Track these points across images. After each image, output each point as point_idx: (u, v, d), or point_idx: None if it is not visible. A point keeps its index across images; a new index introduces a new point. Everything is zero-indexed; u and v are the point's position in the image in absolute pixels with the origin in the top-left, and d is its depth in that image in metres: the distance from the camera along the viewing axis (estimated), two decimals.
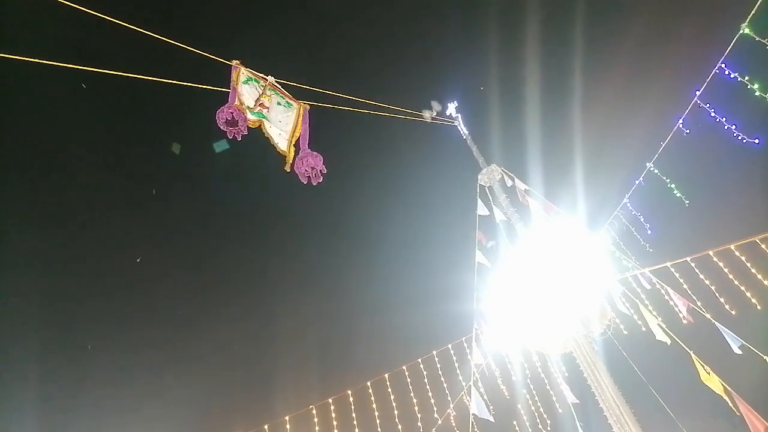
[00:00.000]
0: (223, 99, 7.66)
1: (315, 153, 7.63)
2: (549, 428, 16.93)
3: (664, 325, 12.79)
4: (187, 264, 23.77)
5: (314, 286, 24.43)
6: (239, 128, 7.44)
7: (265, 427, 16.53)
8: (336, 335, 24.16)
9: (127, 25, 7.04)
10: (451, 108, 16.49)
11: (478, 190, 16.09)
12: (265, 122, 7.78)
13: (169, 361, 21.90)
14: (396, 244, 22.35)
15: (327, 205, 23.80)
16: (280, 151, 7.84)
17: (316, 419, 16.76)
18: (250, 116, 7.65)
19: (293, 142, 7.84)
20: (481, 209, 16.02)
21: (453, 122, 16.47)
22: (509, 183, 15.89)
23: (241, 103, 7.59)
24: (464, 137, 16.52)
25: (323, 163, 7.60)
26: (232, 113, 7.34)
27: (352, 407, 17.19)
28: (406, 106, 13.17)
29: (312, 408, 16.86)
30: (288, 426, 16.44)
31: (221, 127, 7.38)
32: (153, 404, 20.75)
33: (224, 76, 7.85)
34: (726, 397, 11.04)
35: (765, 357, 11.14)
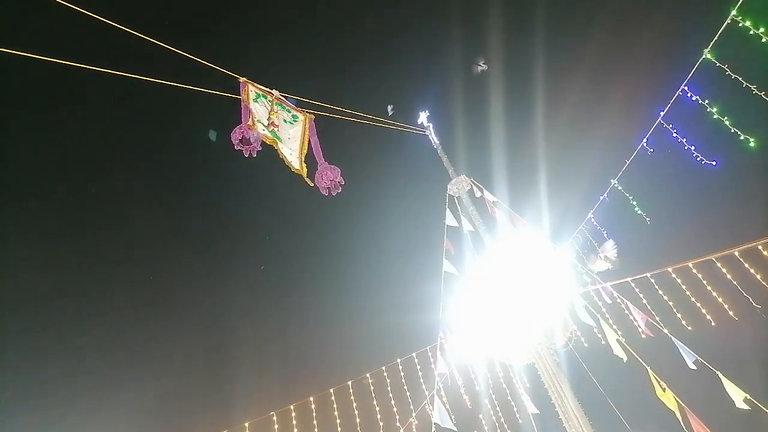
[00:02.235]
0: (228, 107, 7.88)
1: (332, 166, 7.78)
2: None
3: (623, 340, 13.05)
4: (148, 268, 23.25)
5: (279, 294, 24.21)
6: (253, 146, 7.62)
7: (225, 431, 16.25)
8: (300, 343, 23.96)
9: (136, 33, 7.05)
10: (423, 117, 16.57)
11: (447, 200, 16.21)
12: (279, 143, 7.93)
13: (124, 365, 21.37)
14: (364, 252, 22.35)
15: (293, 214, 23.66)
16: (295, 170, 8.00)
17: (276, 426, 16.56)
18: (267, 133, 7.80)
19: (303, 159, 7.96)
20: (450, 219, 16.13)
21: (424, 131, 16.55)
22: (478, 194, 16.05)
23: (254, 122, 7.74)
24: (435, 147, 16.62)
25: (339, 175, 7.79)
26: (242, 133, 7.52)
27: (314, 414, 17.03)
28: (376, 114, 13.15)
29: (273, 414, 16.65)
30: None
31: (236, 147, 7.54)
32: (108, 408, 20.20)
33: (227, 88, 7.96)
34: (679, 414, 11.32)
35: (718, 372, 11.47)
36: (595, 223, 14.24)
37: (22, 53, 6.28)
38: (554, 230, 15.43)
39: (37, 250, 20.92)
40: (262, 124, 7.79)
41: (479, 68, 17.28)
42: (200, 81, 8.08)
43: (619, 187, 13.48)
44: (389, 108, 15.34)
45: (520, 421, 17.08)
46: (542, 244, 15.44)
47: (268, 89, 7.91)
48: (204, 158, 23.48)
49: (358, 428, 17.08)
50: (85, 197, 22.40)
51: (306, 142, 7.97)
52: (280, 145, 7.92)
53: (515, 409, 16.94)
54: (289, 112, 8.00)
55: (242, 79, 7.77)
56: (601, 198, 13.99)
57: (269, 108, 7.79)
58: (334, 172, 7.71)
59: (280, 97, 7.96)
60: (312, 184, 7.84)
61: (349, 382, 17.50)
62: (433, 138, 16.57)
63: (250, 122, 7.68)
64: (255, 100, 7.80)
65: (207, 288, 24.31)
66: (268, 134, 7.85)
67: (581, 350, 15.07)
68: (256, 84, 7.88)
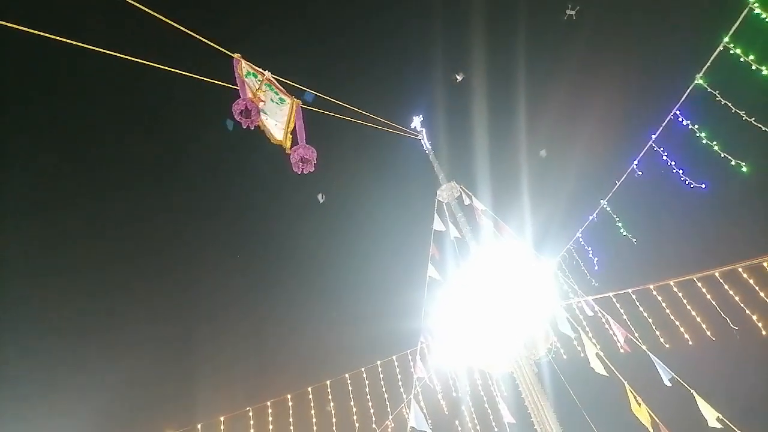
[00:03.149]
0: (221, 90, 7.97)
1: (309, 146, 7.92)
2: None
3: (602, 354, 13.21)
4: (124, 261, 22.93)
5: (262, 292, 24.06)
6: (252, 119, 7.67)
7: (198, 426, 16.11)
8: (280, 341, 23.83)
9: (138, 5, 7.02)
10: (416, 121, 16.62)
11: (435, 206, 16.28)
12: (262, 114, 7.97)
13: (95, 353, 21.00)
14: (349, 253, 22.30)
15: (278, 217, 23.57)
16: (276, 141, 8.08)
17: (252, 422, 16.48)
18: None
19: (289, 131, 8.08)
20: (438, 224, 16.21)
21: (417, 136, 16.60)
22: (467, 201, 16.14)
23: (254, 95, 7.82)
24: (427, 152, 16.69)
25: (315, 157, 7.92)
26: (246, 104, 7.57)
27: (290, 411, 16.97)
28: (372, 113, 13.13)
29: (249, 410, 16.57)
30: (222, 426, 16.11)
31: (236, 118, 7.61)
32: (75, 397, 19.89)
33: (220, 68, 8.03)
34: (652, 430, 11.50)
35: (693, 391, 11.66)
36: (582, 242, 14.41)
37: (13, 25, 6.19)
38: (540, 244, 15.59)
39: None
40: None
41: (457, 78, 17.60)
42: (195, 63, 8.16)
43: (608, 208, 13.66)
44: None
45: (496, 430, 17.22)
46: (527, 256, 15.59)
47: (260, 69, 8.06)
48: (186, 147, 23.30)
49: (334, 428, 17.06)
50: (57, 177, 21.93)
51: (292, 122, 8.13)
52: (263, 117, 8.00)
53: (491, 417, 17.06)
54: (277, 94, 8.13)
55: (236, 56, 7.92)
56: (590, 218, 14.16)
57: (257, 86, 7.95)
58: (308, 151, 7.85)
59: (271, 78, 8.12)
60: (289, 152, 7.96)
61: (328, 382, 17.48)
62: (426, 143, 16.63)
63: (250, 94, 7.79)
64: (246, 77, 7.93)
65: (185, 284, 24.12)
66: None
67: (560, 362, 15.23)
68: (248, 62, 8.01)
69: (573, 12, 17.30)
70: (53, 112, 20.71)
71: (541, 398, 13.77)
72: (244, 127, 7.80)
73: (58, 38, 6.72)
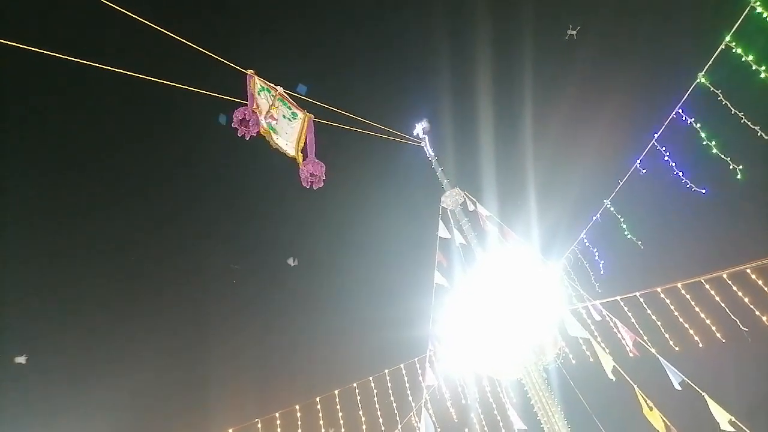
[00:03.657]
0: (234, 105, 8.09)
1: (319, 162, 8.15)
2: None
3: (611, 358, 13.09)
4: (129, 268, 23.01)
5: (268, 302, 24.06)
6: (249, 129, 7.89)
7: None
8: (288, 351, 23.81)
9: (148, 23, 7.30)
10: (419, 128, 16.62)
11: (440, 213, 16.25)
12: (273, 134, 8.22)
13: (105, 367, 21.03)
14: (355, 261, 22.26)
15: (285, 224, 23.60)
16: (290, 157, 8.32)
17: None
18: (262, 122, 8.10)
19: (299, 150, 8.28)
20: (443, 231, 16.17)
21: (420, 143, 16.60)
22: (471, 208, 16.10)
23: (258, 108, 8.06)
24: (430, 158, 16.67)
25: (324, 172, 8.16)
26: (245, 114, 7.84)
27: (299, 422, 16.93)
28: (373, 121, 13.16)
29: (257, 421, 16.54)
30: None
31: (233, 124, 7.85)
32: (86, 410, 19.91)
33: (232, 84, 8.24)
34: None
35: (704, 394, 11.52)
36: (587, 243, 14.32)
37: (19, 45, 6.33)
38: (545, 247, 15.51)
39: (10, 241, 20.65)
40: (262, 114, 8.13)
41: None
42: (203, 76, 8.31)
43: (612, 209, 13.58)
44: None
45: None
46: (533, 260, 15.52)
47: (272, 85, 8.23)
48: (190, 157, 23.43)
49: None
50: (61, 190, 22.07)
51: (303, 138, 8.29)
52: (275, 137, 8.24)
53: (501, 424, 16.92)
54: (290, 109, 8.30)
55: (249, 72, 8.10)
56: (594, 218, 14.07)
57: (270, 102, 8.12)
58: (317, 166, 8.07)
59: (283, 93, 8.29)
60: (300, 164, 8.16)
61: (336, 392, 17.43)
62: (429, 150, 16.62)
63: (255, 106, 8.01)
64: (259, 93, 8.11)
65: (194, 294, 24.14)
66: (264, 125, 8.16)
67: (569, 367, 15.10)
68: (261, 78, 8.18)
69: (574, 32, 17.40)
70: (61, 125, 20.93)
71: (550, 404, 13.68)
72: (239, 135, 7.98)
73: (73, 59, 6.87)
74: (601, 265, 14.25)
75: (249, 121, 7.87)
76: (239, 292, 24.03)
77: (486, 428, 17.12)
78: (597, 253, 14.38)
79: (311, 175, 8.04)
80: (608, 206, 13.46)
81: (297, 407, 17.04)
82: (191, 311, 23.80)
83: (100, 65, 7.25)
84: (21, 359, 19.20)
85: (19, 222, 20.62)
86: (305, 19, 23.09)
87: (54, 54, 6.68)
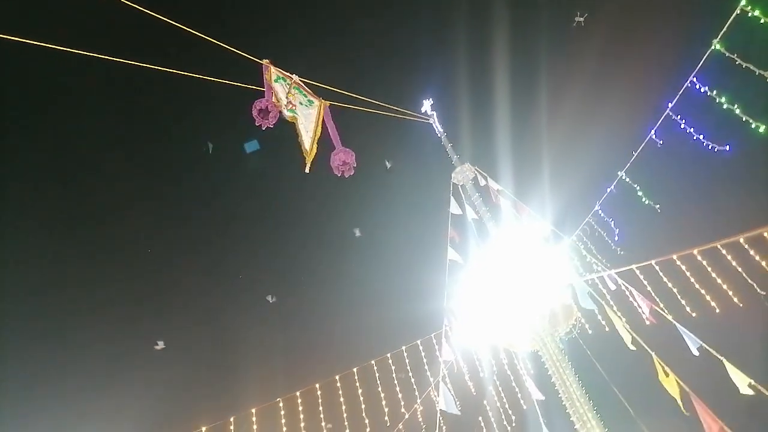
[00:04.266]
0: (251, 96, 8.06)
1: (347, 150, 8.09)
2: (514, 424, 17.29)
3: (627, 327, 13.18)
4: (150, 258, 23.26)
5: (283, 283, 24.23)
6: (269, 120, 7.86)
7: (231, 419, 16.38)
8: (305, 331, 24.05)
9: (163, 18, 7.23)
10: (426, 105, 16.52)
11: (451, 189, 16.24)
12: (298, 120, 8.20)
13: (127, 355, 21.42)
14: (368, 241, 22.33)
15: (298, 203, 23.61)
16: (304, 150, 8.18)
17: (282, 412, 16.72)
18: (286, 113, 8.08)
19: (315, 141, 8.18)
20: (454, 207, 16.19)
21: (428, 120, 16.51)
22: (482, 182, 16.08)
23: (278, 100, 8.02)
24: (439, 135, 16.60)
25: (355, 159, 8.10)
26: (267, 104, 7.83)
27: (320, 401, 17.18)
28: (381, 100, 13.07)
29: (279, 401, 16.80)
30: (254, 418, 16.37)
31: (253, 114, 7.82)
32: (111, 399, 20.32)
33: (247, 74, 8.19)
34: (681, 399, 11.48)
35: (722, 358, 11.60)
36: (602, 214, 14.29)
37: (19, 39, 6.27)
38: (559, 220, 15.51)
39: (34, 242, 20.90)
40: (283, 102, 8.11)
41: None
42: (219, 71, 8.31)
43: (627, 179, 13.51)
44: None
45: (525, 407, 17.30)
46: (546, 233, 15.54)
47: (288, 74, 8.22)
48: (213, 149, 23.41)
49: (363, 414, 17.26)
50: (82, 189, 22.26)
51: (320, 127, 8.25)
52: (299, 123, 8.20)
53: (519, 395, 17.13)
54: (306, 96, 8.30)
55: (265, 62, 8.08)
56: (609, 189, 14.02)
57: (287, 90, 8.12)
58: (348, 154, 8.02)
59: (299, 81, 8.26)
60: (308, 170, 8.10)
61: (355, 369, 17.66)
62: (437, 126, 16.54)
63: (273, 99, 7.99)
64: (275, 82, 8.11)
65: (210, 275, 24.36)
66: (287, 113, 8.15)
67: (585, 337, 15.22)
68: (277, 67, 8.16)
69: (581, 19, 17.14)
70: (64, 121, 20.91)
71: (567, 374, 13.83)
72: (257, 124, 7.94)
73: (66, 49, 6.80)
74: (616, 233, 14.24)
75: (269, 112, 7.86)
76: (258, 285, 24.15)
77: (504, 400, 17.35)
78: (612, 223, 14.36)
79: (343, 163, 7.99)
80: (623, 177, 13.40)
81: (317, 386, 17.30)
82: (213, 303, 24.12)
83: (104, 56, 7.16)
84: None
85: (60, 222, 21.06)
86: (309, 7, 22.79)
87: (58, 48, 6.58)
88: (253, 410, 16.49)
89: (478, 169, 16.17)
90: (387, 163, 17.58)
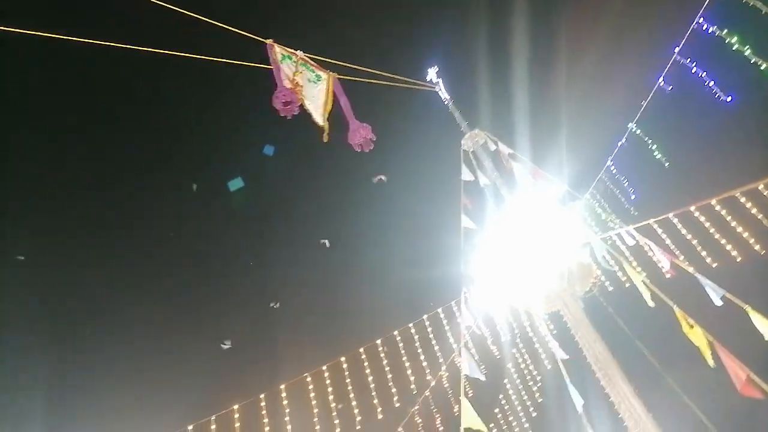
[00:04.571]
0: (258, 73, 7.96)
1: (364, 124, 7.95)
2: (539, 384, 17.42)
3: (647, 281, 13.06)
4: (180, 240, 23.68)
5: (302, 256, 24.44)
6: (292, 107, 7.71)
7: (261, 396, 16.73)
8: (326, 304, 24.32)
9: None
10: (432, 73, 16.30)
11: (461, 156, 16.11)
12: (305, 100, 8.04)
13: (156, 339, 21.96)
14: (382, 212, 22.29)
15: (311, 175, 23.64)
16: (318, 126, 8.10)
17: (311, 386, 17.03)
18: (299, 95, 7.93)
19: (326, 116, 8.08)
20: (466, 174, 16.07)
21: (433, 87, 16.30)
22: (493, 147, 15.91)
23: (290, 81, 7.86)
24: (445, 102, 16.39)
25: (372, 131, 7.95)
26: (287, 95, 7.64)
27: (346, 373, 17.46)
28: (385, 71, 12.89)
29: (307, 376, 17.10)
30: (284, 394, 16.69)
31: (278, 108, 7.63)
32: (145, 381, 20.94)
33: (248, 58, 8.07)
34: (708, 349, 11.38)
35: (745, 306, 11.45)
36: (614, 170, 14.04)
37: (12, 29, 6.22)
38: (572, 179, 15.29)
39: (93, 242, 21.49)
40: (292, 85, 7.97)
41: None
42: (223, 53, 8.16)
43: (638, 131, 13.21)
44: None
45: (549, 367, 17.38)
46: (560, 193, 15.38)
47: (292, 50, 8.03)
48: (236, 132, 23.50)
49: (390, 383, 17.52)
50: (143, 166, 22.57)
51: (330, 101, 8.12)
52: (306, 102, 8.05)
53: (543, 356, 17.21)
54: (313, 72, 8.12)
55: (269, 41, 7.87)
56: (620, 143, 13.74)
57: (294, 69, 7.95)
58: (366, 130, 7.87)
59: (305, 57, 8.08)
60: (326, 140, 8.02)
61: (378, 341, 17.89)
62: (443, 93, 16.33)
63: (287, 81, 7.84)
64: (282, 61, 7.93)
65: (232, 255, 24.70)
66: (299, 96, 7.99)
67: (606, 294, 15.14)
68: (281, 45, 7.97)
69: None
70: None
71: (591, 333, 13.83)
72: (283, 115, 7.78)
73: (69, 38, 6.77)
74: (631, 193, 14.02)
75: (292, 101, 7.71)
76: (283, 260, 24.31)
77: (529, 361, 17.45)
78: (626, 180, 14.12)
79: (364, 139, 7.85)
80: (633, 129, 13.12)
81: (343, 359, 17.57)
82: (244, 285, 24.50)
83: (98, 41, 7.01)
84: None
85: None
86: None
87: (53, 36, 6.52)
88: (282, 386, 16.83)
89: (488, 134, 15.98)
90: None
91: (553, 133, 15.87)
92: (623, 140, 13.82)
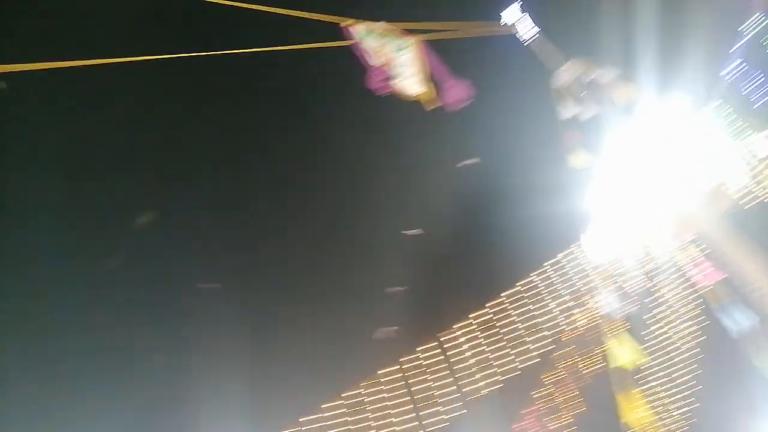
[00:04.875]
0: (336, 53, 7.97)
1: (460, 82, 7.82)
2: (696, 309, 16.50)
3: None
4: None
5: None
6: (387, 84, 7.75)
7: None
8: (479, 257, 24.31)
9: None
10: (507, 16, 15.15)
11: (558, 93, 15.03)
12: (398, 72, 7.83)
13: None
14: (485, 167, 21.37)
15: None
16: (418, 95, 7.82)
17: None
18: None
19: (426, 80, 7.81)
20: (567, 112, 15.03)
21: (512, 30, 15.21)
22: (591, 77, 14.57)
23: (382, 59, 7.69)
24: (530, 41, 15.23)
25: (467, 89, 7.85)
26: (383, 73, 7.65)
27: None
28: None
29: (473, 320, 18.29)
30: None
31: (377, 87, 7.73)
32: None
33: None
34: None
35: None
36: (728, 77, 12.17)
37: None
38: (690, 89, 13.56)
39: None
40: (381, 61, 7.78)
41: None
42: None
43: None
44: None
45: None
46: (680, 109, 13.81)
47: (374, 23, 7.79)
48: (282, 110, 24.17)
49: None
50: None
51: (424, 66, 7.79)
52: (400, 74, 7.83)
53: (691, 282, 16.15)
54: (398, 40, 7.83)
55: (344, 24, 7.67)
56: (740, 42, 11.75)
57: (379, 43, 7.72)
58: (461, 88, 7.72)
59: (388, 27, 7.83)
60: (433, 107, 7.79)
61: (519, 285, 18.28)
62: (525, 33, 15.15)
63: (379, 61, 7.68)
64: (364, 39, 7.69)
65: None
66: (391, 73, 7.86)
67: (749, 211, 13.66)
68: (360, 22, 7.75)
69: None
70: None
71: (741, 250, 12.73)
72: (382, 93, 7.80)
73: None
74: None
75: (387, 78, 7.61)
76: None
77: (678, 289, 16.53)
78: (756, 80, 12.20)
79: (461, 98, 7.73)
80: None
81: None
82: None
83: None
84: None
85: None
86: None
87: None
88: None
89: (583, 63, 14.65)
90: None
91: (655, 46, 14.04)
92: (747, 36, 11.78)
